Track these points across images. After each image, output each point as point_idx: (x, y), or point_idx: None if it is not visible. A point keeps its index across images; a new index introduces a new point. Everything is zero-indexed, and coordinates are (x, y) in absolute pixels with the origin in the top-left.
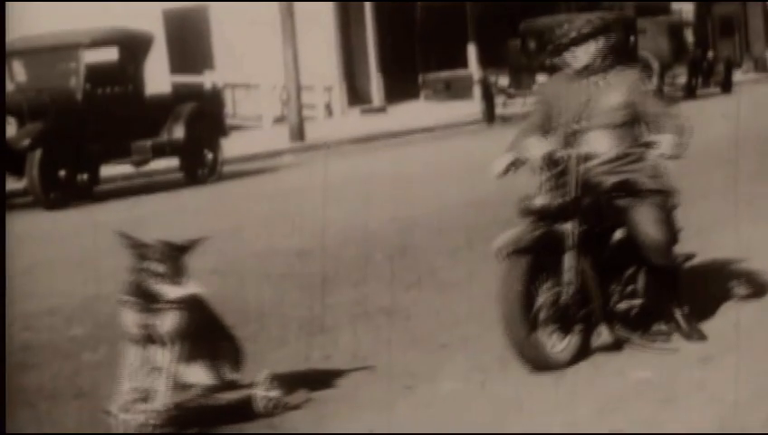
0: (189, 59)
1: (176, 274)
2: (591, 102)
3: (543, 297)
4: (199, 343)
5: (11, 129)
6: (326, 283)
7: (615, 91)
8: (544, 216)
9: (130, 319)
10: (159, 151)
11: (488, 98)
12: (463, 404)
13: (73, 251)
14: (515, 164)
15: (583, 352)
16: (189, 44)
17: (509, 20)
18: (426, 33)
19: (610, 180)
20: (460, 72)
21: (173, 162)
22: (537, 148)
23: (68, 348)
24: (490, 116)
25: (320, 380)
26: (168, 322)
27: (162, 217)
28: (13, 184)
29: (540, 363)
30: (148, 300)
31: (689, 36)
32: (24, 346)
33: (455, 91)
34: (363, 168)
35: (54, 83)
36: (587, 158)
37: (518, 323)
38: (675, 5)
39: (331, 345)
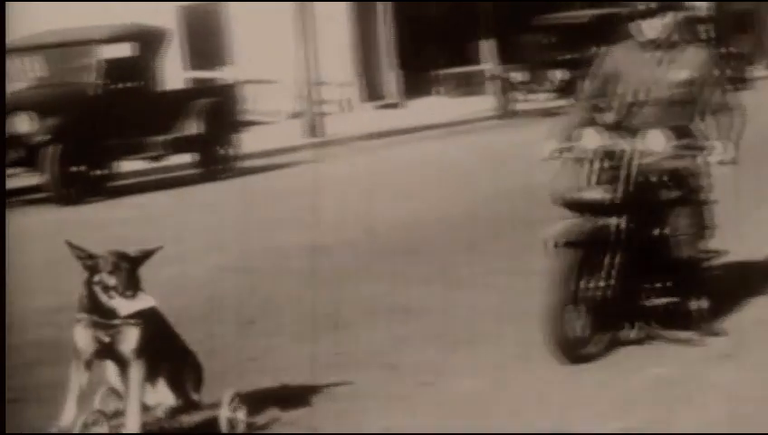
0: (207, 55)
1: (128, 287)
2: (654, 76)
3: (586, 290)
4: (160, 361)
5: (28, 124)
6: (344, 279)
7: (680, 67)
8: (594, 210)
9: (83, 337)
10: (175, 147)
11: (505, 93)
12: (481, 401)
13: (88, 247)
14: (563, 150)
15: (610, 347)
16: (207, 40)
17: (525, 15)
18: (441, 29)
19: (658, 175)
20: (476, 68)
21: (188, 158)
22: (592, 139)
23: None
24: (507, 111)
25: (337, 376)
26: (127, 339)
27: (177, 212)
28: (28, 179)
29: (573, 356)
30: (102, 316)
31: (707, 33)
32: (39, 343)
33: (471, 86)
34: (379, 163)
35: (71, 79)
36: (642, 155)
37: (560, 314)
38: (688, 3)
39: (349, 341)
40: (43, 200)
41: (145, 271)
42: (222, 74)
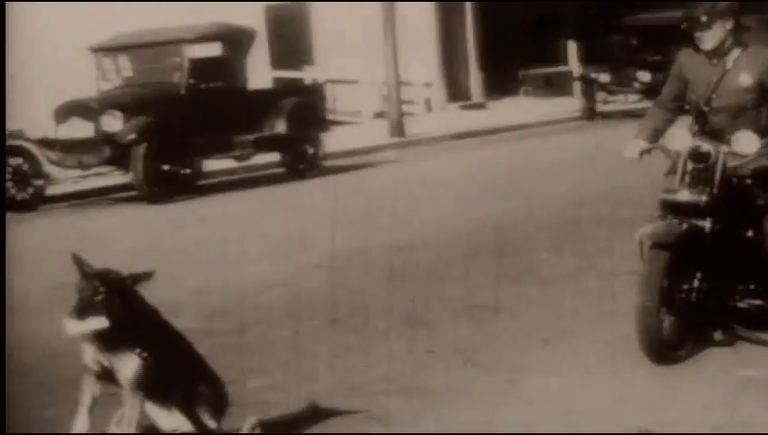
0: (290, 55)
1: (74, 309)
2: (721, 83)
3: (675, 292)
4: (172, 387)
5: (117, 123)
6: (428, 278)
7: (746, 71)
8: (687, 211)
9: (88, 354)
10: (262, 146)
11: (588, 94)
12: (566, 399)
13: (177, 244)
14: (650, 151)
15: (698, 348)
16: (290, 40)
17: (610, 16)
18: (526, 29)
19: (748, 176)
20: (560, 69)
21: (274, 157)
22: (682, 141)
23: None
24: (590, 113)
25: (423, 373)
26: (125, 367)
27: (263, 211)
28: (118, 178)
29: (661, 357)
30: (100, 339)
31: None
32: None
33: (555, 87)
34: (464, 163)
35: (159, 78)
36: (733, 156)
37: (649, 314)
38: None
39: (434, 339)
40: (132, 199)
41: (233, 268)
42: (305, 74)
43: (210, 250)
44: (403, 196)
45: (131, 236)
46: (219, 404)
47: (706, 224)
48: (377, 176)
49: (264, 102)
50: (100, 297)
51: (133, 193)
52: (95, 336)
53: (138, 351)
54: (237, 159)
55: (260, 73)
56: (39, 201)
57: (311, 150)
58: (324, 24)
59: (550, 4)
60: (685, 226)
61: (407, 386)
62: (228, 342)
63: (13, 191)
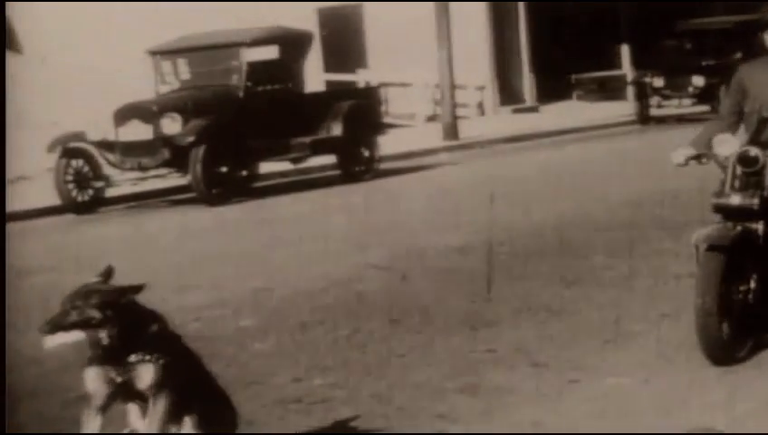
0: (343, 58)
1: (46, 322)
2: None
3: (731, 294)
4: (185, 399)
5: (176, 125)
6: (487, 279)
7: None
8: (740, 215)
9: (94, 378)
10: (318, 148)
11: (642, 99)
12: (627, 399)
13: (238, 245)
14: (698, 157)
15: (754, 350)
16: (343, 43)
17: (663, 20)
18: (578, 33)
19: None
20: (613, 73)
21: (329, 159)
22: (728, 146)
23: (238, 338)
24: (644, 117)
25: (485, 372)
26: (143, 376)
27: (322, 213)
28: (176, 180)
29: (719, 358)
30: (111, 353)
31: None
32: (196, 337)
33: (607, 91)
34: (518, 166)
35: (217, 81)
36: None
37: (712, 315)
38: None
39: (495, 339)
40: (188, 201)
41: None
42: (358, 77)
43: (270, 251)
44: (459, 198)
45: (191, 238)
46: (229, 420)
47: (759, 226)
48: (432, 178)
49: (321, 105)
50: (74, 313)
51: (190, 195)
52: (104, 354)
53: (151, 357)
54: (294, 161)
55: (312, 76)
56: (98, 203)
57: (366, 153)
58: (377, 26)
59: (603, 8)
60: (739, 228)
61: (470, 384)
62: (291, 340)
63: (74, 193)
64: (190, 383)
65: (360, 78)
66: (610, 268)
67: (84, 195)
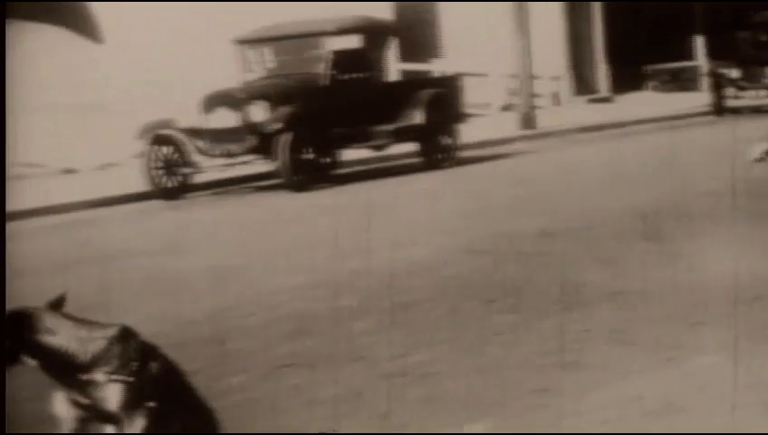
0: (418, 47)
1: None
2: None
3: None
4: (161, 419)
5: (263, 113)
6: (576, 263)
7: None
8: None
9: (61, 402)
10: (399, 136)
11: (717, 90)
12: (721, 375)
13: (329, 229)
14: None
15: None
16: (418, 33)
17: (737, 11)
18: (652, 24)
19: None
20: (687, 64)
21: (409, 147)
22: None
23: (338, 317)
24: (719, 108)
25: (583, 350)
26: (110, 396)
27: (406, 199)
28: (261, 166)
29: None
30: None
31: None
32: (299, 315)
33: (682, 82)
34: (596, 155)
35: (302, 70)
36: None
37: None
38: None
39: (587, 320)
40: (272, 187)
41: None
42: (432, 67)
43: (361, 235)
44: (542, 185)
45: (283, 223)
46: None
47: None
48: (512, 166)
49: (403, 93)
50: (7, 342)
51: (274, 181)
52: (63, 381)
53: (112, 377)
54: (376, 148)
55: (389, 65)
56: (186, 189)
57: (447, 141)
58: (452, 17)
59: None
60: None
61: (569, 361)
62: (390, 320)
63: (164, 179)
64: (168, 400)
65: (435, 68)
66: (697, 253)
67: (173, 181)
